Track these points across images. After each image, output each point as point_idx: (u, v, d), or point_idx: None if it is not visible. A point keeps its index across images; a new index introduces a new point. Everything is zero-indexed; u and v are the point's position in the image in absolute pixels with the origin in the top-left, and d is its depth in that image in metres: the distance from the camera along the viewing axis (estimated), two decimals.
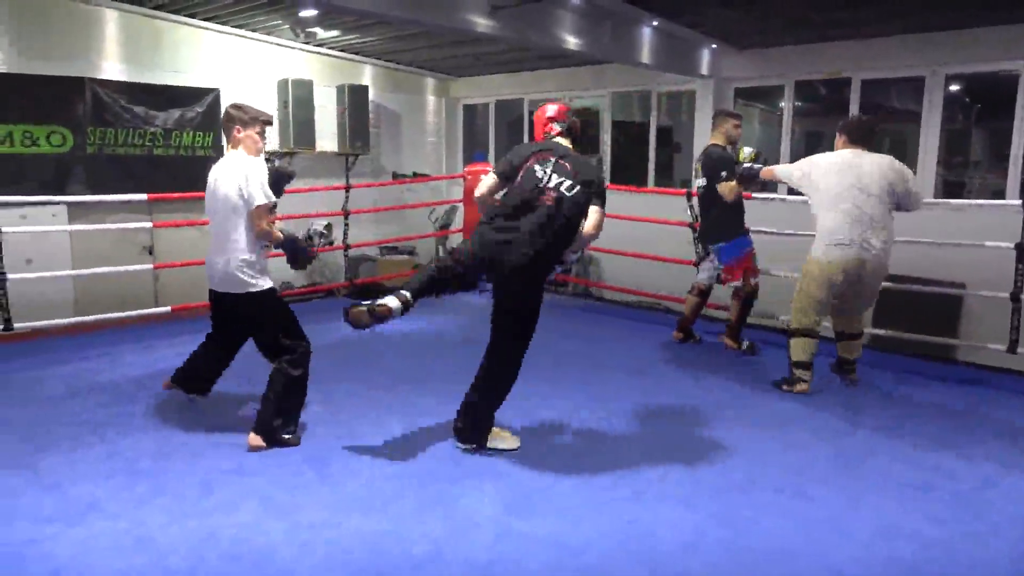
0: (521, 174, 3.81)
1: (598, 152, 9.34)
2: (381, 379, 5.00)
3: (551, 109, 4.07)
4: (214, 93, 8.32)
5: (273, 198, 3.76)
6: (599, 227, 3.82)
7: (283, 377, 3.75)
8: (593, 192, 3.78)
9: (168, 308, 6.68)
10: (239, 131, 3.82)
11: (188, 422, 4.11)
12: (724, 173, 5.36)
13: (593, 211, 3.79)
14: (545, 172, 3.75)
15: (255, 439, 3.74)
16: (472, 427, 3.84)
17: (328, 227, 8.83)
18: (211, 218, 3.91)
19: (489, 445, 3.84)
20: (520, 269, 3.63)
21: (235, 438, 3.83)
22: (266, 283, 3.84)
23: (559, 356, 5.47)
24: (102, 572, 2.69)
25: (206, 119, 8.21)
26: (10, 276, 5.74)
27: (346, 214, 7.60)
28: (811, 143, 8.16)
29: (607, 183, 4.13)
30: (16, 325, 5.45)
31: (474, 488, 3.41)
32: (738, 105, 8.35)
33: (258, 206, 3.68)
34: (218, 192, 3.80)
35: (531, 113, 9.80)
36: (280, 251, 4.10)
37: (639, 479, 3.53)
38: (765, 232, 6.01)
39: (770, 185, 6.32)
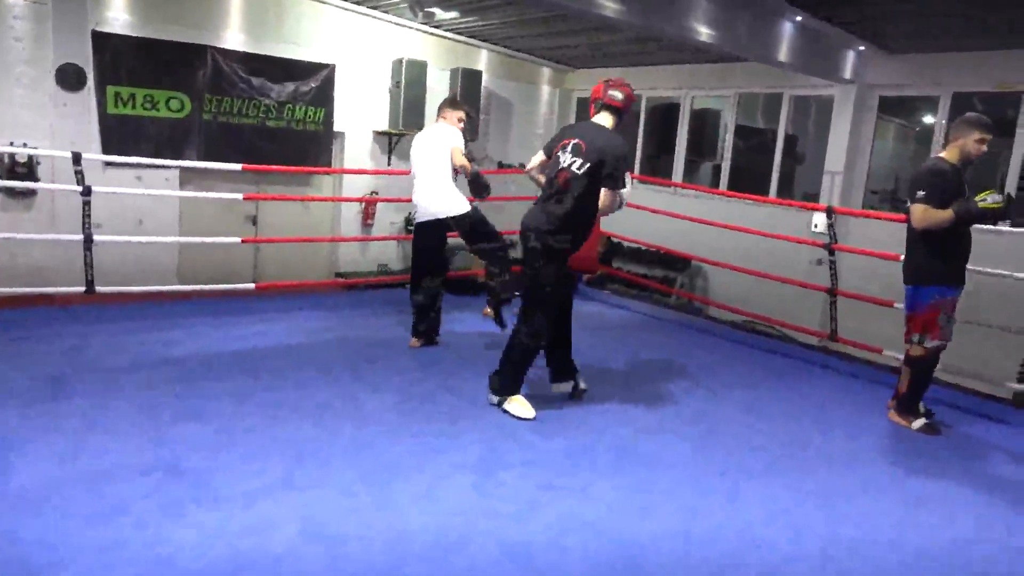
0: (555, 154, 4.08)
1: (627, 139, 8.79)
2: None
3: (593, 90, 4.27)
4: (329, 68, 8.28)
5: None
6: (607, 208, 4.00)
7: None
8: (605, 173, 3.89)
9: (252, 285, 6.55)
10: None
11: (229, 415, 3.83)
12: (921, 193, 4.13)
13: (602, 192, 3.96)
14: (565, 152, 4.01)
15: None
16: (499, 381, 4.12)
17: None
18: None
19: (506, 407, 4.05)
20: (537, 246, 3.99)
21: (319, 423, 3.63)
22: None
23: (669, 378, 5.04)
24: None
25: (319, 94, 8.19)
26: (97, 238, 5.72)
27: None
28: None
29: (627, 167, 4.13)
30: (98, 288, 5.36)
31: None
32: (871, 116, 7.57)
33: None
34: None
35: (648, 111, 9.36)
36: None
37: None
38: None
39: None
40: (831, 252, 5.85)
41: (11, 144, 6.79)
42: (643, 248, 8.06)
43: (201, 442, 3.39)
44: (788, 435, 4.08)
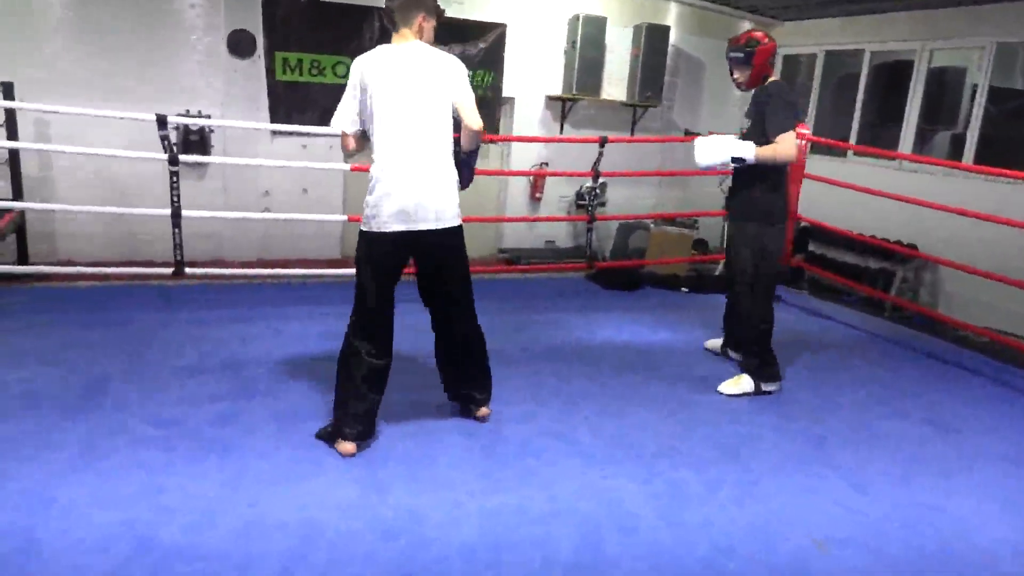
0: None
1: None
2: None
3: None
4: (500, 29, 7.67)
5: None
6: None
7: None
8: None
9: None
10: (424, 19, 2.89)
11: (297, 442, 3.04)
12: None
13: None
14: None
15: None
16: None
17: (602, 186, 7.93)
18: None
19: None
20: None
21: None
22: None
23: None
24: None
25: (488, 56, 7.62)
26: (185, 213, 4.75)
27: (595, 175, 5.70)
28: None
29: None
30: (188, 270, 4.52)
31: None
32: None
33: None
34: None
35: (872, 67, 7.81)
36: None
37: None
38: None
39: None
40: None
41: (187, 112, 6.87)
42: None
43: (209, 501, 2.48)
44: None
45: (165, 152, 4.03)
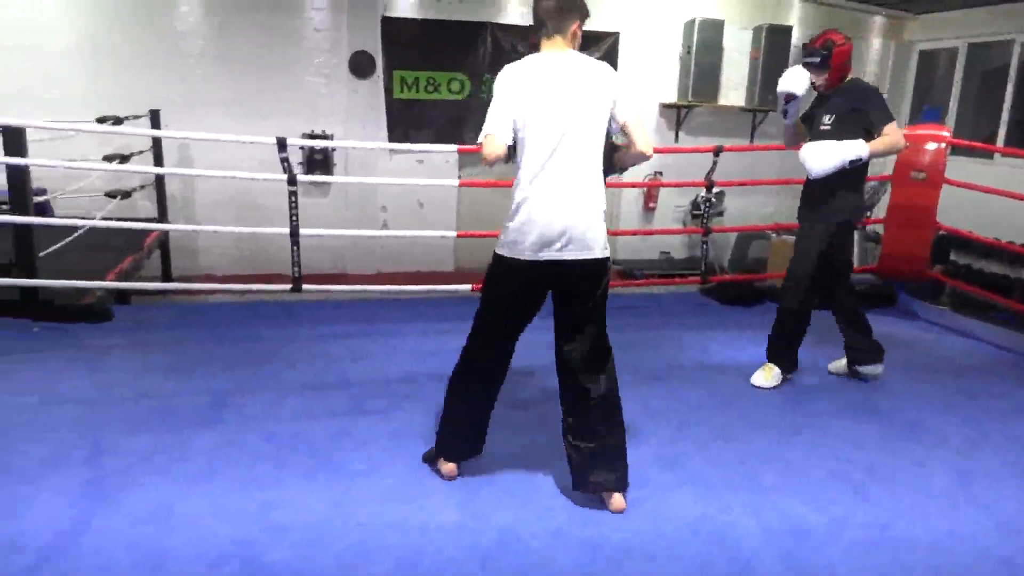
0: None
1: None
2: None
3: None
4: (613, 37, 7.60)
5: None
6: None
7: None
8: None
9: (469, 287, 4.82)
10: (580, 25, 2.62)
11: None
12: None
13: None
14: None
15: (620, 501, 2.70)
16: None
17: (719, 195, 7.64)
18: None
19: None
20: None
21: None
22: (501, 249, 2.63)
23: None
24: None
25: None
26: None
27: (708, 184, 5.32)
28: None
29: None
30: (305, 287, 4.48)
31: None
32: None
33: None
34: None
35: (1022, 60, 7.13)
36: None
37: None
38: None
39: None
40: None
41: (312, 131, 7.21)
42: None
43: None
44: None
45: (285, 173, 4.20)
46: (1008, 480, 3.04)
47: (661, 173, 7.91)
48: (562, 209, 2.50)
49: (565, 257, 2.52)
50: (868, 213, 6.26)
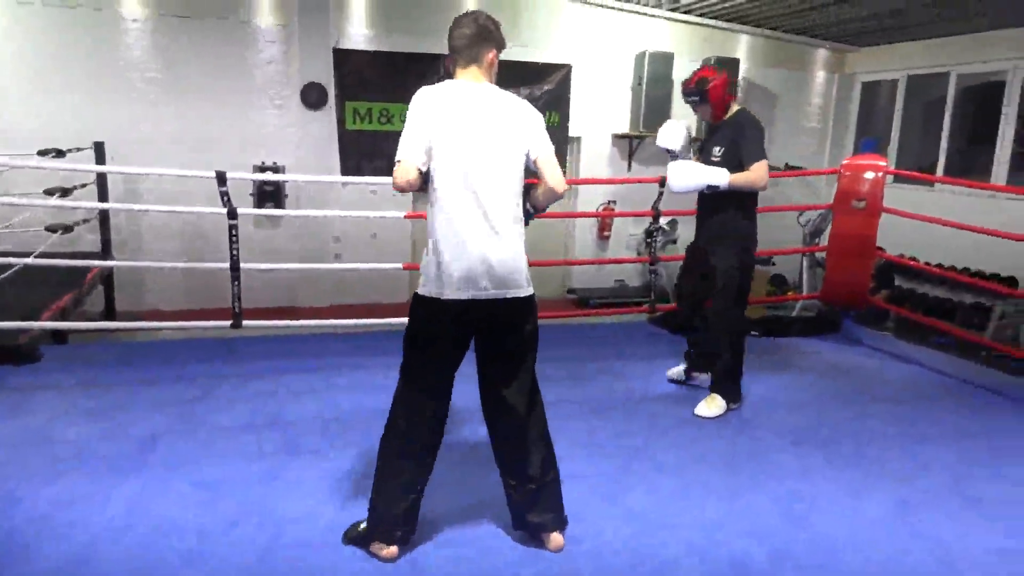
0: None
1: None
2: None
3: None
4: (565, 69, 7.67)
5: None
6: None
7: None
8: None
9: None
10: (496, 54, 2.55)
11: None
12: None
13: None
14: None
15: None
16: None
17: (672, 223, 7.72)
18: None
19: None
20: None
21: None
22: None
23: None
24: None
25: (554, 97, 7.62)
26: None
27: (656, 214, 5.47)
28: None
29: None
30: (245, 323, 4.40)
31: None
32: None
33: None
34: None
35: (960, 90, 7.37)
36: None
37: None
38: None
39: None
40: None
41: (262, 163, 7.14)
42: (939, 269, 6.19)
43: None
44: None
45: (224, 207, 4.13)
46: (944, 507, 3.06)
47: (615, 202, 7.99)
48: (484, 246, 2.39)
49: (492, 296, 2.42)
50: (817, 240, 6.35)
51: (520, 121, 2.48)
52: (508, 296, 2.45)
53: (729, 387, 4.01)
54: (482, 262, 2.40)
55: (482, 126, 2.42)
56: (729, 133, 3.83)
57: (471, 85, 2.47)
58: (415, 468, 2.53)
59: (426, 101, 2.41)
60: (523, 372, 2.56)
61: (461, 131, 2.39)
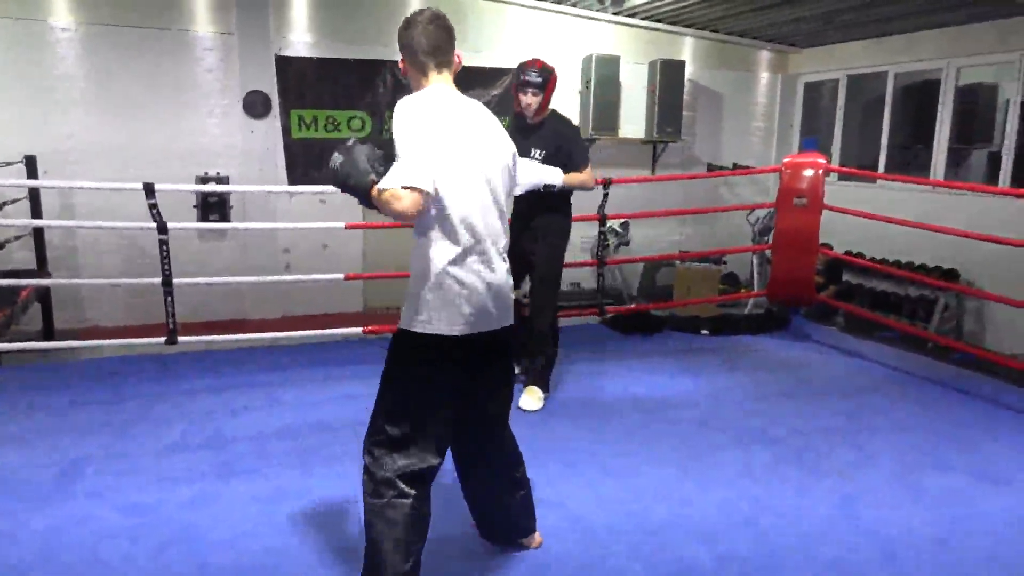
0: None
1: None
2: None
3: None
4: (512, 74, 7.63)
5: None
6: None
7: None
8: None
9: (360, 329, 4.76)
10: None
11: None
12: None
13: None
14: None
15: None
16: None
17: (624, 225, 7.73)
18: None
19: None
20: None
21: None
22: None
23: None
24: None
25: (503, 102, 7.55)
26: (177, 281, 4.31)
27: (602, 219, 5.52)
28: None
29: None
30: (181, 339, 4.23)
31: None
32: None
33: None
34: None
35: (898, 89, 7.51)
36: None
37: None
38: None
39: None
40: None
41: (205, 174, 6.95)
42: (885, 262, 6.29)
43: None
44: None
45: (153, 221, 3.98)
46: (888, 500, 3.08)
47: None
48: (493, 273, 2.16)
49: (499, 326, 2.21)
50: (767, 239, 6.41)
51: (503, 135, 2.29)
52: (507, 324, 2.26)
53: (548, 377, 4.14)
54: (489, 289, 2.16)
55: (482, 144, 2.18)
56: (551, 137, 3.87)
57: (457, 97, 2.22)
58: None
59: (428, 118, 2.09)
60: (508, 405, 2.47)
61: (467, 152, 2.13)
